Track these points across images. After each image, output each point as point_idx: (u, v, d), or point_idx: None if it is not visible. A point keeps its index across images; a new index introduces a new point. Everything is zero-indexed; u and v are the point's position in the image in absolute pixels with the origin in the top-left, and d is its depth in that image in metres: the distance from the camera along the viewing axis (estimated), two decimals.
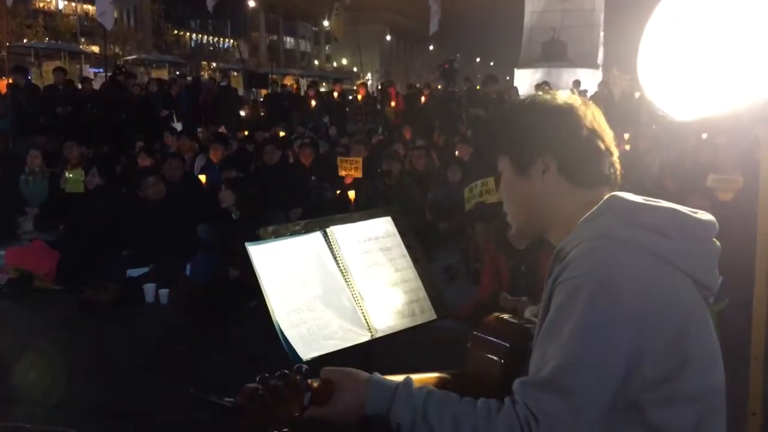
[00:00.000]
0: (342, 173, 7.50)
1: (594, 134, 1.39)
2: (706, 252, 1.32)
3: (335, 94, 15.36)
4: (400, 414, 1.26)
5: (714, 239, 1.34)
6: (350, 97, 15.57)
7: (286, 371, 1.27)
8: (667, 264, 1.25)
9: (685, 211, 1.32)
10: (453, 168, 7.76)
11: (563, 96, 1.44)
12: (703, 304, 1.32)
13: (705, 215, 1.34)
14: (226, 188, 6.05)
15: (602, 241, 1.25)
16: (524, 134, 1.42)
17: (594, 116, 1.40)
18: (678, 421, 1.23)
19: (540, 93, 1.49)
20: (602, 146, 1.39)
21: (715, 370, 1.30)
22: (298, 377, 1.28)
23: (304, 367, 1.30)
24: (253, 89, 18.55)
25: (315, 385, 1.30)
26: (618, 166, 1.41)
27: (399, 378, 1.34)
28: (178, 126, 11.86)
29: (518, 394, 1.21)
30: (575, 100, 1.42)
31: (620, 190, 1.45)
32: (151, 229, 6.09)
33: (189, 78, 15.94)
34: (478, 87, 14.20)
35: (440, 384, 1.52)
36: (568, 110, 1.39)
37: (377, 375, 1.34)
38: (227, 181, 6.31)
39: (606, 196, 1.33)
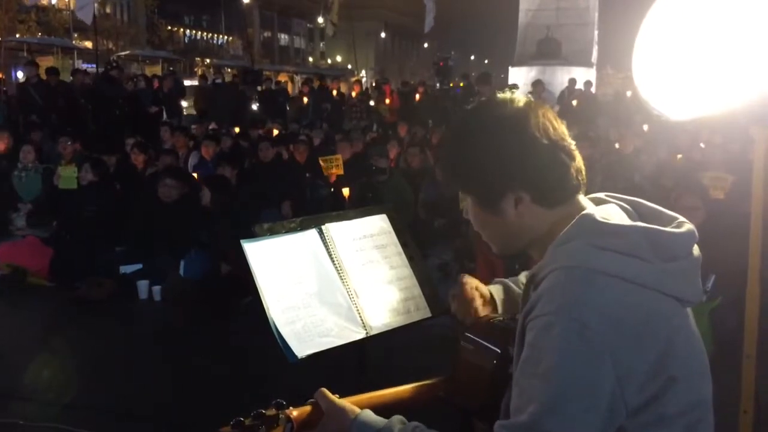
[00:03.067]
0: (326, 173, 7.55)
1: (555, 146, 1.29)
2: (685, 269, 1.26)
3: (334, 93, 15.33)
4: None
5: (693, 250, 1.28)
6: (334, 92, 15.51)
7: (261, 410, 1.26)
8: (644, 289, 1.19)
9: (658, 229, 1.25)
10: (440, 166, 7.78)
11: (511, 106, 1.31)
12: (688, 318, 1.28)
13: (683, 227, 1.28)
14: (204, 186, 6.10)
15: (573, 271, 1.19)
16: (483, 172, 1.30)
17: (549, 123, 1.30)
18: None
19: (483, 105, 1.38)
20: (565, 157, 1.30)
21: (702, 383, 1.27)
22: (275, 412, 1.27)
23: (281, 401, 1.30)
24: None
25: (295, 414, 1.30)
26: (581, 163, 1.33)
27: (389, 396, 1.36)
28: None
29: None
30: (521, 105, 1.31)
31: (611, 190, 1.42)
32: (150, 226, 6.07)
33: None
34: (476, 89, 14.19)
35: (430, 392, 1.52)
36: (522, 130, 1.27)
37: (365, 413, 1.32)
38: (205, 179, 6.34)
39: (577, 215, 1.27)
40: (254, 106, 15.03)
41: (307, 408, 1.34)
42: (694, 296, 1.26)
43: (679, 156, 8.00)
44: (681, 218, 1.31)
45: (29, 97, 10.99)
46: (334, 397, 1.36)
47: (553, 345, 1.14)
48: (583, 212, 1.28)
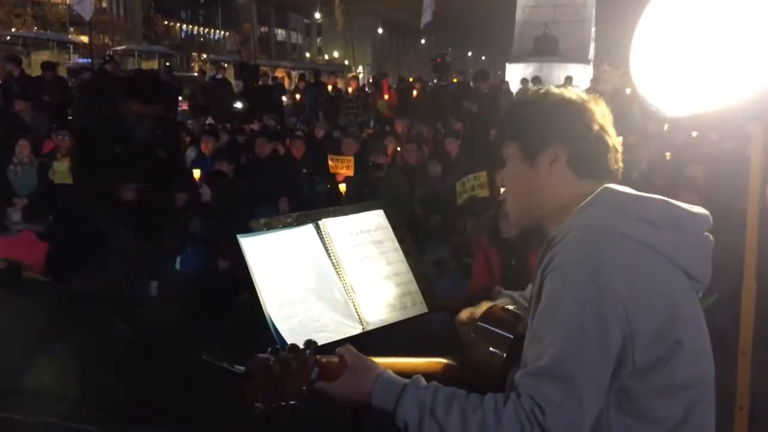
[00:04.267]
0: (332, 171, 7.52)
1: (603, 130, 1.41)
2: (695, 244, 1.33)
3: (329, 88, 15.32)
4: (406, 410, 1.27)
5: (707, 233, 1.35)
6: (329, 87, 15.49)
7: (296, 344, 1.30)
8: (656, 254, 1.26)
9: (676, 203, 1.34)
10: (432, 162, 7.83)
11: (576, 91, 1.46)
12: (695, 299, 1.34)
13: (697, 209, 1.35)
14: (204, 184, 6.07)
15: (592, 229, 1.27)
16: (537, 123, 1.43)
17: (603, 113, 1.43)
18: (668, 410, 1.24)
19: (553, 87, 1.51)
20: (610, 142, 1.42)
21: (706, 360, 1.32)
22: (307, 352, 1.31)
23: (315, 343, 1.33)
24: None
25: (324, 360, 1.33)
26: (621, 163, 1.43)
27: (408, 367, 1.39)
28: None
29: (521, 386, 1.22)
30: (587, 96, 1.45)
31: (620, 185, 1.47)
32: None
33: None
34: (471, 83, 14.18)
35: (445, 370, 1.54)
36: (581, 104, 1.42)
37: (388, 372, 1.35)
38: (205, 177, 6.30)
39: (600, 188, 1.35)
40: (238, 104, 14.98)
41: (334, 359, 1.36)
42: (702, 275, 1.33)
43: (667, 153, 8.02)
44: (694, 206, 1.37)
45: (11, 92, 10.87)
46: (361, 354, 1.39)
47: (571, 292, 1.21)
48: (606, 185, 1.36)
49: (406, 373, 1.46)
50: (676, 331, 1.24)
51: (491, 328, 1.53)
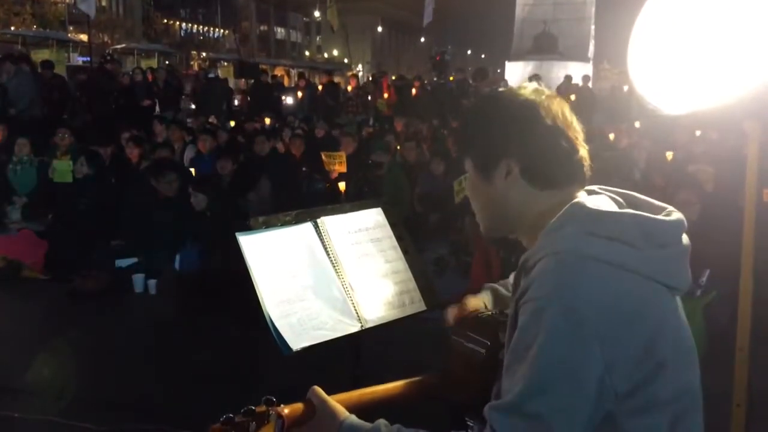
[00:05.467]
0: (327, 168, 7.53)
1: (558, 132, 1.33)
2: (673, 255, 1.27)
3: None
4: None
5: (683, 238, 1.30)
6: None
7: (251, 407, 1.27)
8: (631, 273, 1.21)
9: (648, 216, 1.27)
10: (435, 160, 7.85)
11: (527, 91, 1.37)
12: (676, 306, 1.29)
13: (672, 215, 1.30)
14: (195, 191, 5.94)
15: (564, 256, 1.21)
16: (484, 137, 1.38)
17: (559, 111, 1.34)
18: (654, 426, 1.21)
19: (502, 89, 1.48)
20: (566, 144, 1.33)
21: (689, 370, 1.28)
22: (265, 409, 1.28)
23: (271, 398, 1.31)
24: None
25: (286, 411, 1.31)
26: (587, 161, 1.36)
27: (382, 392, 1.40)
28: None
29: (488, 419, 1.20)
30: (539, 95, 1.36)
31: (609, 184, 1.43)
32: (148, 221, 6.06)
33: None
34: (471, 82, 14.18)
35: (423, 388, 1.53)
36: (530, 108, 1.33)
37: (352, 418, 1.36)
38: (197, 185, 6.12)
39: (567, 204, 1.29)
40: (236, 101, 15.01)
41: (299, 406, 1.36)
42: (682, 284, 1.28)
43: (669, 153, 8.01)
44: (670, 208, 1.33)
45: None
46: (327, 397, 1.38)
47: (542, 329, 1.16)
48: (574, 200, 1.30)
49: (380, 402, 1.48)
50: (658, 353, 1.20)
51: (468, 333, 1.51)
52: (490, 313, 1.56)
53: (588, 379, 1.15)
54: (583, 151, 1.36)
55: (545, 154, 1.32)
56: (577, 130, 1.36)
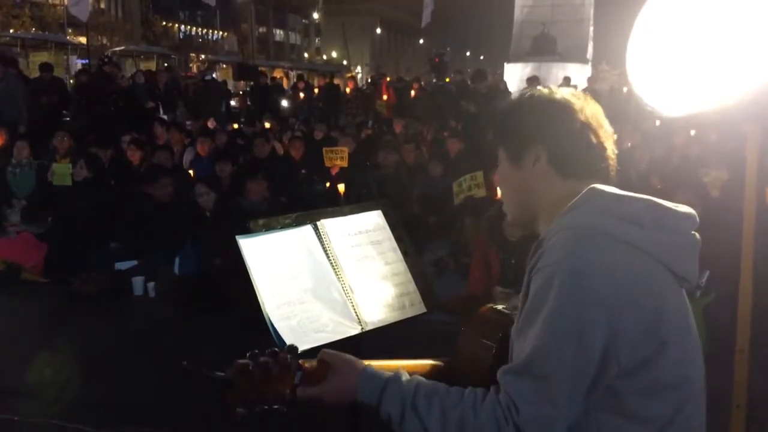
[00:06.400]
0: (328, 164, 7.47)
1: (587, 128, 1.40)
2: (681, 243, 1.33)
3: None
4: (389, 404, 1.30)
5: (693, 232, 1.35)
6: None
7: (276, 349, 1.30)
8: (642, 253, 1.27)
9: (662, 203, 1.34)
10: (433, 162, 7.86)
11: (563, 92, 1.46)
12: (683, 296, 1.34)
13: (684, 208, 1.36)
14: (206, 191, 5.91)
15: (578, 230, 1.28)
16: (518, 125, 1.45)
17: (591, 111, 1.42)
18: (656, 410, 1.25)
19: (540, 87, 1.52)
20: (594, 140, 1.40)
21: (693, 360, 1.32)
22: (288, 356, 1.30)
23: (294, 345, 1.33)
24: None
25: (307, 365, 1.33)
26: (613, 161, 1.43)
27: (392, 367, 1.38)
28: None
29: (501, 381, 1.25)
30: (573, 96, 1.44)
31: (610, 185, 1.47)
32: (147, 224, 6.06)
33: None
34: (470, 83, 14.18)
35: (433, 371, 1.54)
36: (564, 104, 1.42)
37: (371, 366, 1.37)
38: (206, 185, 6.07)
39: (585, 189, 1.36)
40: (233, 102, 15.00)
41: (315, 362, 1.37)
42: (689, 274, 1.33)
43: (672, 155, 8.00)
44: (680, 204, 1.38)
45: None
46: (340, 353, 1.40)
47: (552, 294, 1.22)
48: (592, 185, 1.37)
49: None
50: (662, 331, 1.24)
51: (480, 326, 1.53)
52: (499, 308, 1.58)
53: (593, 343, 1.20)
54: (611, 152, 1.43)
55: (574, 144, 1.40)
56: (608, 132, 1.44)
